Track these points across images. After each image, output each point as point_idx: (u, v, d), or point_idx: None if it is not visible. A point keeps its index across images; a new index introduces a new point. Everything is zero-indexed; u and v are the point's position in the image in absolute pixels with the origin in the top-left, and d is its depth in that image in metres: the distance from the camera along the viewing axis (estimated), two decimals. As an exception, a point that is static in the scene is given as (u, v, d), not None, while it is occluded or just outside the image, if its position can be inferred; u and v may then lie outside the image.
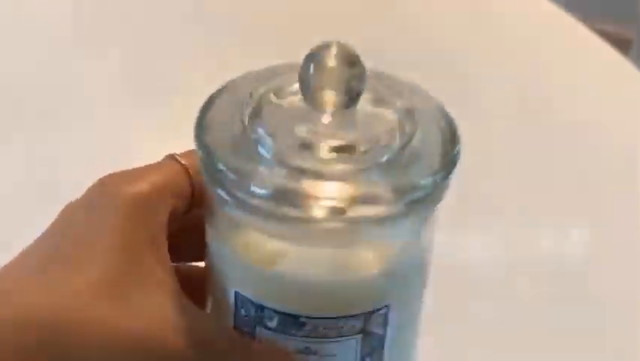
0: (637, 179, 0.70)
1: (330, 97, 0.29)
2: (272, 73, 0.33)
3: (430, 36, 0.83)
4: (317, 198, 0.28)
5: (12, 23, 0.79)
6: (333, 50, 0.29)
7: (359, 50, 0.30)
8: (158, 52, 0.77)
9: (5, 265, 0.32)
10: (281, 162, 0.29)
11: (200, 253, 0.34)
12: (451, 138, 0.31)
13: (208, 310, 0.34)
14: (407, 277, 0.32)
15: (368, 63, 0.31)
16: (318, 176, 0.28)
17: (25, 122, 0.68)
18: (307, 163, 0.29)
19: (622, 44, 0.94)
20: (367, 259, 0.31)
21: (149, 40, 0.78)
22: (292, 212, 0.28)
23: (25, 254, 0.32)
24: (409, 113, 0.31)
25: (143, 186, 0.31)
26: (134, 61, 0.76)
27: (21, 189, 0.62)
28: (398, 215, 0.28)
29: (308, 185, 0.28)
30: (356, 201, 0.28)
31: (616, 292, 0.60)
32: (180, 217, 0.33)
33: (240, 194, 0.28)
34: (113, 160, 0.67)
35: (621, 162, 0.71)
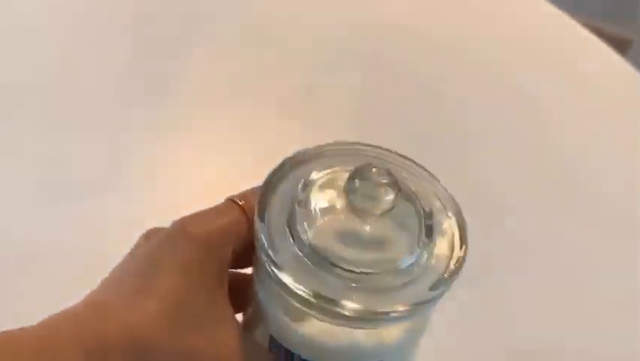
0: (637, 178, 0.71)
1: (367, 208, 0.34)
2: (329, 155, 0.37)
3: (430, 33, 0.83)
4: (341, 300, 0.33)
5: (15, 25, 0.79)
6: (376, 171, 0.35)
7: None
8: (160, 53, 0.77)
9: (101, 283, 0.37)
10: (318, 261, 0.34)
11: (244, 263, 0.39)
12: (460, 245, 0.35)
13: (247, 317, 0.40)
14: (414, 339, 0.38)
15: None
16: (346, 280, 0.33)
17: (29, 123, 0.69)
18: (340, 263, 0.34)
19: (620, 45, 0.95)
20: (383, 335, 0.37)
21: (152, 41, 0.78)
22: (319, 308, 0.33)
23: (113, 276, 0.37)
24: (428, 225, 0.36)
25: (211, 228, 0.37)
26: (137, 62, 0.76)
27: (24, 188, 0.63)
28: (411, 315, 0.34)
29: (337, 285, 0.33)
30: (375, 309, 0.33)
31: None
32: (241, 252, 0.38)
33: (280, 278, 0.34)
34: (116, 160, 0.68)
35: (621, 162, 0.72)
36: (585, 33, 0.85)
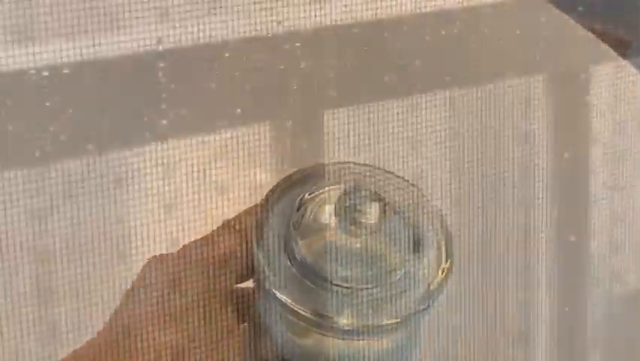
0: (638, 178, 0.71)
1: (356, 229, 0.36)
2: (321, 175, 0.39)
3: (429, 29, 0.83)
4: (336, 317, 0.35)
5: (22, 22, 0.79)
6: (363, 193, 0.36)
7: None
8: (159, 52, 0.77)
9: (113, 320, 0.38)
10: (313, 279, 0.35)
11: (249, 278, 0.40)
12: (446, 258, 0.37)
13: (253, 330, 0.40)
14: (415, 340, 0.39)
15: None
16: (341, 296, 0.35)
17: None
18: (334, 279, 0.35)
19: (620, 45, 0.95)
20: (382, 341, 0.38)
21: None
22: (317, 324, 0.35)
23: (125, 311, 0.38)
24: (416, 238, 0.37)
25: (214, 256, 0.38)
26: (138, 64, 0.76)
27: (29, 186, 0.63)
28: (404, 326, 0.36)
29: (332, 302, 0.35)
30: (369, 323, 0.35)
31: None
32: (244, 272, 0.39)
33: (278, 297, 0.35)
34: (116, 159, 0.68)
35: (620, 162, 0.72)
36: (585, 33, 0.85)
